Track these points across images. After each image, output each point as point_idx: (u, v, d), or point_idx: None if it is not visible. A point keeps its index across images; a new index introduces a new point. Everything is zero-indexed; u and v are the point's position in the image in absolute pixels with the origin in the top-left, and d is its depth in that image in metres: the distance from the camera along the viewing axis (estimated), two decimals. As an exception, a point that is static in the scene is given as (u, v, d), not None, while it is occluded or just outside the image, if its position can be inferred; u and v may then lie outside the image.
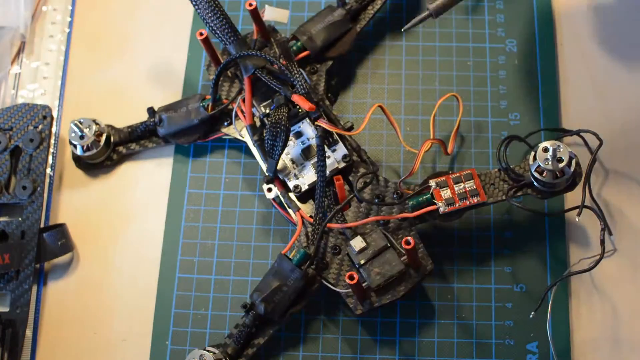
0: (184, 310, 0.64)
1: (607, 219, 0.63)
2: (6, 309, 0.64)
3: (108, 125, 0.68)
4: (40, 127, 0.69)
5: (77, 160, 0.69)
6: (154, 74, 0.73)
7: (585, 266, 0.61)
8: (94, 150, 0.67)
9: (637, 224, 0.64)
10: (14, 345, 0.63)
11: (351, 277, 0.56)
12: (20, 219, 0.66)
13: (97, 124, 0.67)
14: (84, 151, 0.67)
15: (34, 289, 0.65)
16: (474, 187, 0.59)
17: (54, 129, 0.70)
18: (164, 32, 0.74)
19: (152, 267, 0.66)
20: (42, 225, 0.66)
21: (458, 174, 0.60)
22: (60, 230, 0.66)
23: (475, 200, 0.59)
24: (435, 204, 0.59)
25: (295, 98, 0.61)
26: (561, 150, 0.58)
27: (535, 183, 0.60)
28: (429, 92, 0.70)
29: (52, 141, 0.70)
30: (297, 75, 0.63)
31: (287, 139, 0.60)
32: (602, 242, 0.60)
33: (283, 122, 0.60)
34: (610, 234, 0.63)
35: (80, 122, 0.66)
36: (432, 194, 0.59)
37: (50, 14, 0.76)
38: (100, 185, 0.69)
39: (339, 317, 0.63)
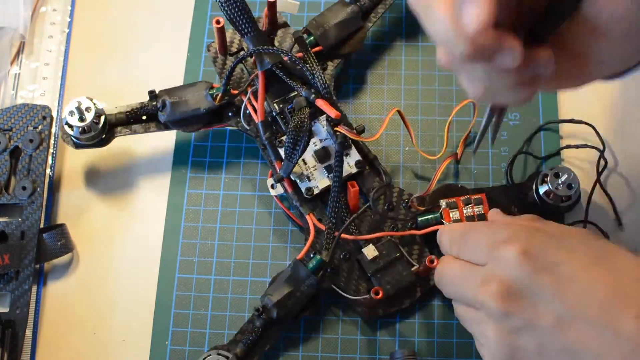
0: (184, 310, 0.64)
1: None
2: (6, 310, 0.64)
3: (103, 109, 0.65)
4: (39, 127, 0.69)
5: (67, 137, 0.65)
6: (153, 74, 0.73)
7: None
8: (91, 133, 0.64)
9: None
10: (13, 346, 0.62)
11: (376, 293, 0.57)
12: (20, 219, 0.66)
13: (95, 104, 0.64)
14: (80, 133, 0.64)
15: (34, 289, 0.65)
16: (482, 212, 0.60)
17: (53, 130, 0.70)
18: (164, 32, 0.74)
19: (151, 267, 0.66)
20: (41, 226, 0.66)
21: (468, 197, 0.61)
22: (60, 230, 0.66)
23: None
24: (442, 223, 0.60)
25: (320, 103, 0.60)
26: (572, 177, 0.59)
27: (538, 204, 0.61)
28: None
29: (52, 141, 0.70)
30: (319, 76, 0.62)
31: (308, 143, 0.59)
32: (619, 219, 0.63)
33: (305, 126, 0.59)
34: (620, 223, 0.64)
35: (80, 102, 0.63)
36: (441, 214, 0.60)
37: (49, 15, 0.76)
38: (100, 186, 0.69)
39: (339, 317, 0.63)
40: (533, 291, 0.47)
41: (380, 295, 0.57)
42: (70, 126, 0.64)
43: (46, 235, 0.65)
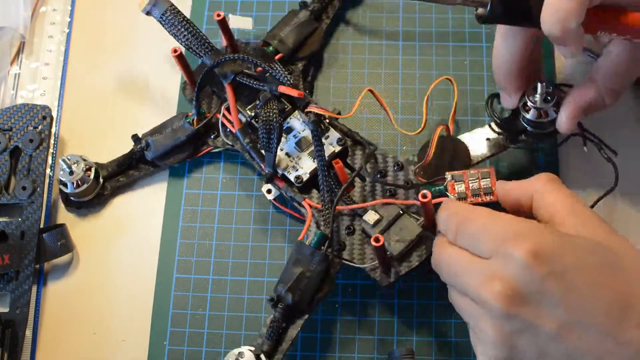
0: (182, 310, 0.64)
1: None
2: (6, 310, 0.64)
3: (95, 163, 0.68)
4: (39, 127, 0.69)
5: (66, 200, 0.68)
6: (152, 73, 0.73)
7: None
8: (85, 186, 0.66)
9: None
10: (13, 346, 0.63)
11: (377, 240, 0.56)
12: (20, 219, 0.66)
13: (84, 159, 0.66)
14: (75, 188, 0.66)
15: (34, 289, 0.65)
16: (489, 185, 0.59)
17: (53, 130, 0.70)
18: (163, 32, 0.74)
19: (150, 267, 0.66)
20: (41, 226, 0.66)
21: (476, 171, 0.59)
22: (60, 230, 0.66)
23: (488, 199, 0.58)
24: (447, 196, 0.59)
25: (282, 89, 0.62)
26: (548, 90, 0.58)
27: (527, 127, 0.60)
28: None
29: (52, 141, 0.70)
30: (279, 70, 0.63)
31: (281, 132, 0.60)
32: (609, 159, 0.61)
33: (275, 116, 0.60)
34: (615, 153, 0.63)
35: (68, 159, 0.65)
36: (445, 187, 0.59)
37: (49, 15, 0.76)
38: (99, 186, 0.69)
39: (337, 316, 0.63)
40: (538, 295, 0.46)
41: (381, 242, 0.55)
42: (65, 185, 0.66)
43: (46, 235, 0.66)
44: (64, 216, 0.68)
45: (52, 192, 0.69)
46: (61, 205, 0.69)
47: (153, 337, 0.63)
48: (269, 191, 0.63)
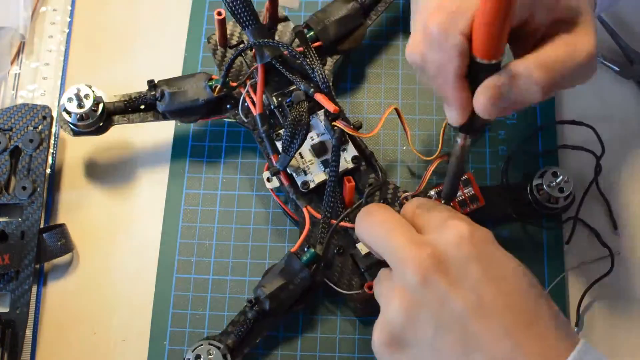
0: (182, 310, 0.64)
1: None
2: (6, 310, 0.64)
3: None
4: (40, 127, 0.69)
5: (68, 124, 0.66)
6: (152, 74, 0.72)
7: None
8: (88, 120, 0.64)
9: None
10: (13, 346, 0.63)
11: (370, 287, 0.56)
12: (20, 219, 0.66)
13: (93, 91, 0.65)
14: (77, 120, 0.64)
15: (34, 289, 0.65)
16: (473, 192, 0.60)
17: (53, 130, 0.70)
18: (163, 32, 0.75)
19: (150, 267, 0.66)
20: (42, 226, 0.66)
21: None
22: (60, 230, 0.66)
23: (475, 206, 0.59)
24: None
25: (319, 97, 0.61)
26: (567, 180, 0.59)
27: (532, 203, 0.60)
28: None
29: (52, 141, 0.70)
30: (318, 71, 0.62)
31: (305, 137, 0.59)
32: (605, 245, 0.62)
33: (304, 120, 0.59)
34: (615, 227, 0.64)
35: (79, 89, 0.64)
36: None
37: (49, 15, 0.76)
38: (99, 186, 0.69)
39: (337, 316, 0.63)
40: (461, 271, 0.46)
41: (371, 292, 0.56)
42: (69, 113, 0.64)
43: (46, 235, 0.66)
44: (64, 216, 0.68)
45: (52, 190, 0.69)
46: (61, 206, 0.69)
47: (153, 337, 0.63)
48: (268, 179, 0.62)
